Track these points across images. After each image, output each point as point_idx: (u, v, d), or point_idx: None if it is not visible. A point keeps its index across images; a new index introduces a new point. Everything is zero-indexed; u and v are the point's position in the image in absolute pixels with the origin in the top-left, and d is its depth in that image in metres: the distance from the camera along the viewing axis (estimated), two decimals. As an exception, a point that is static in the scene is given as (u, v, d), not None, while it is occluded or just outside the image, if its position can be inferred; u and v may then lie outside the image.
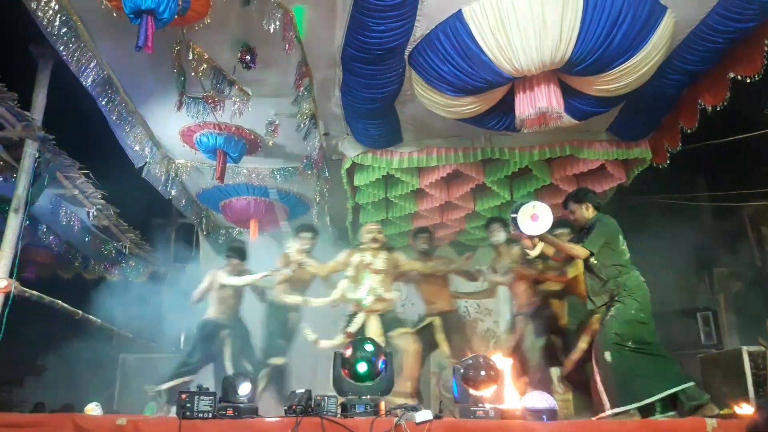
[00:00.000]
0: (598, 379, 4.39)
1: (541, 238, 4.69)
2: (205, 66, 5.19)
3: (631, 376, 4.25)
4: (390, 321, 5.89)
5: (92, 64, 5.18)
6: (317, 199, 7.32)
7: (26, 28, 4.68)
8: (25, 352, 7.25)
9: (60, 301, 6.21)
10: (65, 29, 4.68)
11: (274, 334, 6.52)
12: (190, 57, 5.06)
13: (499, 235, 6.23)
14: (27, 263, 7.20)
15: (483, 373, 4.30)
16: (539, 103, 4.84)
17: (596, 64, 4.66)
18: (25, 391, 8.19)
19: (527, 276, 5.95)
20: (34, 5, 4.37)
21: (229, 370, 6.02)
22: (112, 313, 7.71)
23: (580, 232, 4.85)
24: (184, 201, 7.83)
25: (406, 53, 5.01)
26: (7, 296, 4.94)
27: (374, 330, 5.70)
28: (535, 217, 4.56)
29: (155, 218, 9.20)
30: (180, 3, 4.11)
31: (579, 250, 4.60)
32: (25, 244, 5.49)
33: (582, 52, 4.51)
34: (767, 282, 9.29)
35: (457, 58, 4.71)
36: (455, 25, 4.56)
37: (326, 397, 3.93)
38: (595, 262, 4.57)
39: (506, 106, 5.30)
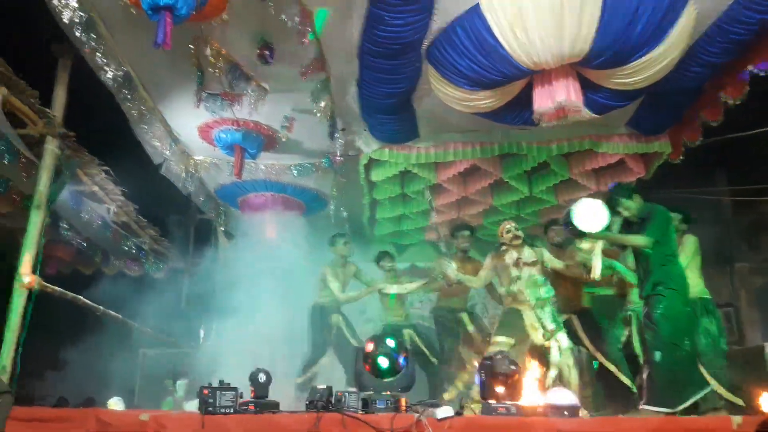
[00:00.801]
0: (644, 374, 4.43)
1: (600, 236, 4.75)
2: (223, 62, 5.21)
3: (672, 382, 4.26)
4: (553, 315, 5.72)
5: (111, 61, 5.22)
6: (335, 195, 7.33)
7: (47, 25, 4.73)
8: (46, 347, 7.32)
9: (81, 297, 6.28)
10: (85, 27, 4.71)
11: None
12: (208, 53, 5.08)
13: (559, 237, 6.27)
14: (49, 259, 7.28)
15: (506, 370, 4.28)
16: (558, 96, 4.80)
17: (616, 57, 4.61)
18: (47, 386, 8.29)
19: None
20: (54, 2, 4.41)
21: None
22: (132, 308, 7.79)
23: (633, 223, 4.84)
24: (202, 197, 7.88)
25: (423, 48, 4.99)
26: (30, 292, 5.00)
27: (532, 323, 5.52)
28: (592, 214, 4.65)
29: (174, 214, 9.27)
30: (198, -1, 4.14)
31: (642, 240, 4.61)
32: (47, 240, 5.54)
33: (601, 45, 4.46)
34: (789, 278, 9.14)
35: (474, 52, 4.68)
36: (473, 18, 4.53)
37: (347, 393, 3.94)
38: (650, 251, 4.58)
39: (524, 100, 5.26)
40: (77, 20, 4.61)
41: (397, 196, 7.51)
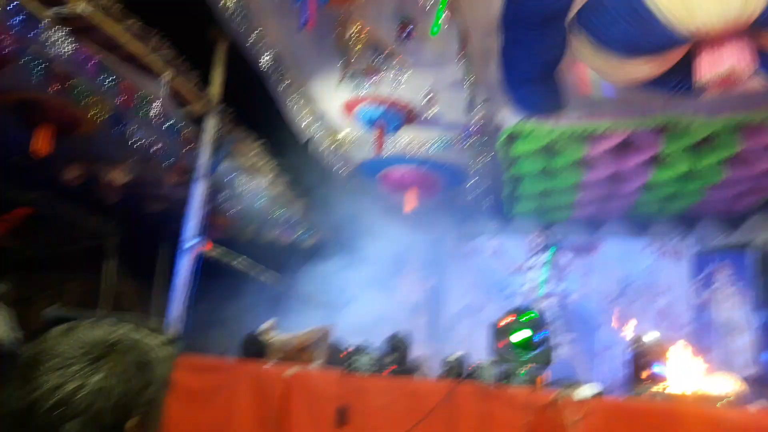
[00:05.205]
0: None
1: None
2: (365, 40, 5.27)
3: None
4: None
5: (263, 44, 5.49)
6: (474, 170, 7.19)
7: (204, 10, 5.06)
8: (210, 306, 7.97)
9: (242, 259, 6.69)
10: (238, 11, 4.99)
11: None
12: (351, 32, 5.16)
13: None
14: (209, 227, 7.91)
15: (653, 353, 4.00)
16: (724, 63, 4.22)
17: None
18: (210, 341, 9.04)
19: None
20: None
21: None
22: (284, 273, 8.28)
23: None
24: (346, 172, 8.12)
25: (570, 15, 4.63)
26: (198, 255, 5.49)
27: None
28: None
29: (321, 187, 9.67)
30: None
31: None
32: (208, 209, 6.02)
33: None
34: None
35: (626, 18, 4.25)
36: (624, -19, 4.11)
37: (483, 365, 3.91)
38: None
39: (686, 67, 4.70)
40: (231, 5, 4.90)
41: (540, 170, 7.17)
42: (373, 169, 7.88)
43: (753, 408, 3.86)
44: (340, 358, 4.27)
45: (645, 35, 4.30)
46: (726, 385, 3.76)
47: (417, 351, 6.55)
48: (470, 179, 7.48)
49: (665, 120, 6.01)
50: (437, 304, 9.65)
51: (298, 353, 4.78)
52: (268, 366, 5.01)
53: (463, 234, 9.60)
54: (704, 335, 8.41)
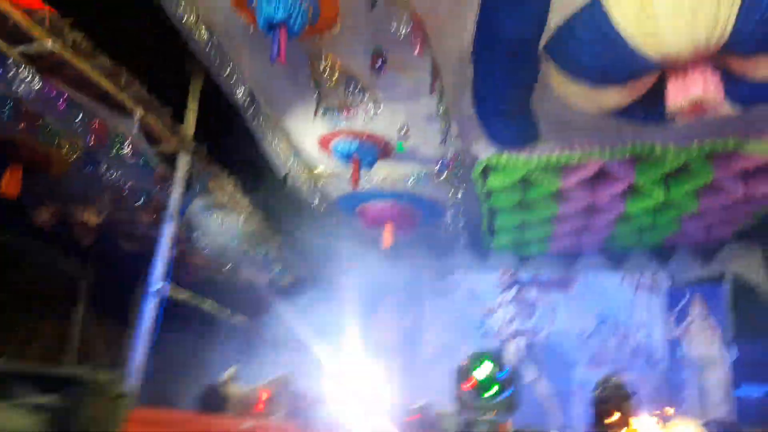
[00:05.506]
0: None
1: None
2: (338, 74, 5.28)
3: None
4: None
5: (237, 80, 5.48)
6: (451, 203, 7.18)
7: (178, 47, 5.05)
8: (176, 350, 7.73)
9: (209, 302, 6.51)
10: (212, 47, 4.99)
11: None
12: (323, 65, 5.17)
13: None
14: (181, 267, 7.72)
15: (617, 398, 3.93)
16: (693, 90, 4.31)
17: (764, 40, 4.05)
18: (178, 387, 8.72)
19: None
20: (184, 25, 4.71)
21: None
22: (259, 314, 8.10)
23: None
24: (324, 207, 8.06)
25: (541, 45, 4.71)
26: (161, 298, 5.31)
27: None
28: None
29: (298, 223, 9.59)
30: (309, 13, 4.21)
31: None
32: (180, 249, 5.88)
33: (745, 27, 3.94)
34: None
35: (596, 47, 4.33)
36: (592, 11, 4.19)
37: (444, 413, 3.82)
38: None
39: (657, 95, 4.79)
40: (205, 41, 4.90)
41: (516, 203, 7.18)
42: (350, 204, 7.83)
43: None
44: (301, 408, 4.16)
45: (615, 62, 4.38)
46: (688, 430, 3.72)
47: (390, 396, 6.40)
48: (447, 214, 7.45)
49: (637, 149, 6.08)
50: (412, 344, 9.46)
51: (258, 405, 4.65)
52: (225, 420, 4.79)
53: (439, 270, 9.51)
54: (678, 371, 8.32)
